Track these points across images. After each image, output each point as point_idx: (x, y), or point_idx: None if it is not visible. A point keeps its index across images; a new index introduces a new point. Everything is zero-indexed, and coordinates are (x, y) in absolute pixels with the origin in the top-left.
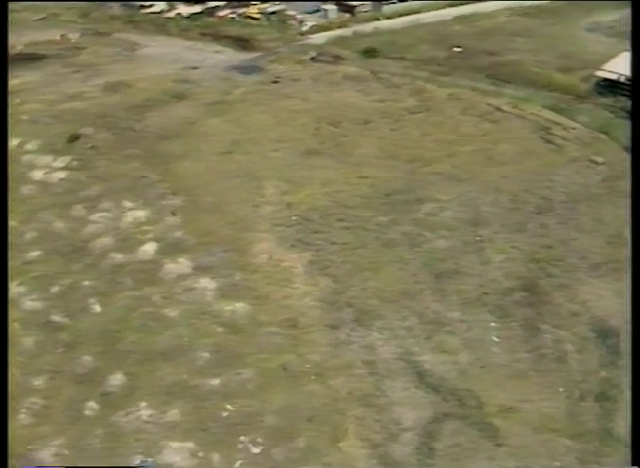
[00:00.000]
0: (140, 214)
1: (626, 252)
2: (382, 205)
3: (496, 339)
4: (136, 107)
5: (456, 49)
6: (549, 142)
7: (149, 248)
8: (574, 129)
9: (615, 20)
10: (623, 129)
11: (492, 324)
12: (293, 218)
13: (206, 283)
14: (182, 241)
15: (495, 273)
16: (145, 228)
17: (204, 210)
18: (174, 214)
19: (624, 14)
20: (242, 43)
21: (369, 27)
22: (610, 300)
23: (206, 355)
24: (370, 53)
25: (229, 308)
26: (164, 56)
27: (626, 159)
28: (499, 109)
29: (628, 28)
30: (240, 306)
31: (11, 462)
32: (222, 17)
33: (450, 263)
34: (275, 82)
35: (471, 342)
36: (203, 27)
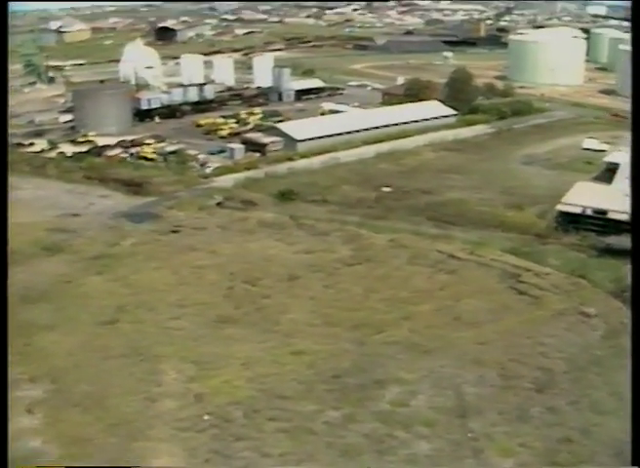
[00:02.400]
0: None
1: None
2: (329, 392)
3: None
4: None
5: (385, 189)
6: (523, 293)
7: None
8: (547, 275)
9: (549, 152)
10: (602, 270)
11: None
12: (205, 418)
13: None
14: (41, 454)
15: None
16: None
17: (75, 405)
18: (30, 411)
19: (558, 145)
20: (134, 187)
21: (282, 168)
22: None
23: None
24: (287, 196)
25: None
26: (38, 200)
27: (621, 307)
28: (452, 256)
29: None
30: None
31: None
32: (112, 157)
33: None
34: (174, 231)
35: None
36: (88, 169)
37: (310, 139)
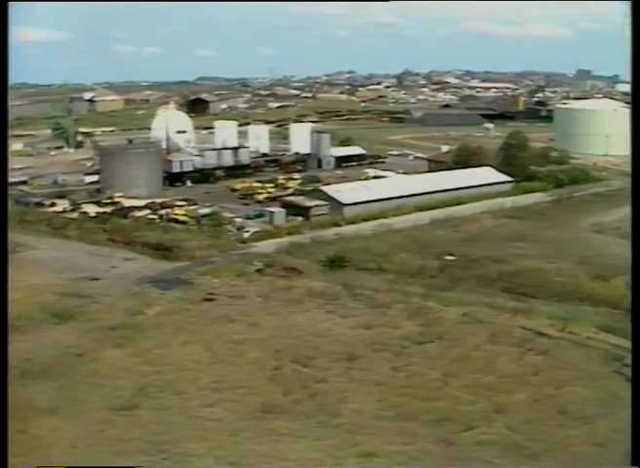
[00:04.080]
0: None
1: None
2: None
3: None
4: None
5: (448, 257)
6: None
7: None
8: None
9: (618, 221)
10: None
11: None
12: None
13: None
14: None
15: None
16: None
17: None
18: None
19: (624, 213)
20: (162, 251)
21: (328, 233)
22: None
23: None
24: (337, 263)
25: None
26: (54, 261)
27: None
28: (541, 334)
29: None
30: None
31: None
32: (139, 219)
33: None
34: (208, 300)
35: None
36: (113, 231)
37: (358, 204)
